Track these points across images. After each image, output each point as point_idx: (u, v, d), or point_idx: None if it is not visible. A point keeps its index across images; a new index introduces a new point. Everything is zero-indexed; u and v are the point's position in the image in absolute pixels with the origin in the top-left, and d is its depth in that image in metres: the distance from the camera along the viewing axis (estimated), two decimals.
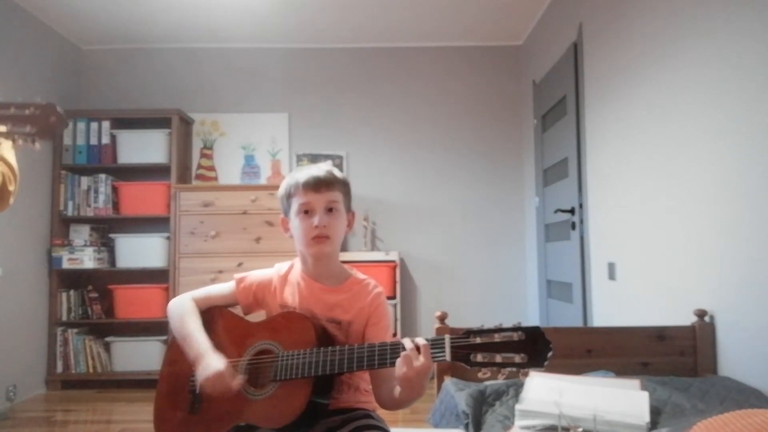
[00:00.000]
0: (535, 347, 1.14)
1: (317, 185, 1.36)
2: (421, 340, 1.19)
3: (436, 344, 1.18)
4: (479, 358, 1.16)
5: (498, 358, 1.15)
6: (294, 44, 4.55)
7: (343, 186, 1.42)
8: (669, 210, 2.29)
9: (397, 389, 1.28)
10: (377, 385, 1.37)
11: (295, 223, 1.39)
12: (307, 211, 1.37)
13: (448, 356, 1.17)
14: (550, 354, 1.14)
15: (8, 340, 3.61)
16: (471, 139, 4.55)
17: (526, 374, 1.15)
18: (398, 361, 1.18)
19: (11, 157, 1.67)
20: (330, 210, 1.37)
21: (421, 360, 1.16)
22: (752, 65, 1.79)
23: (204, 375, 1.28)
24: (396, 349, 1.21)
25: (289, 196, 1.40)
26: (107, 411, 3.56)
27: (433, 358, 1.18)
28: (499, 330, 1.17)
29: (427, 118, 4.56)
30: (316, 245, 1.37)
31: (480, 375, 1.16)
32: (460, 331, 1.19)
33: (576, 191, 3.26)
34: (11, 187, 1.66)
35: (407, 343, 1.19)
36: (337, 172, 1.42)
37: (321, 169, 1.40)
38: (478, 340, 1.17)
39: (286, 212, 1.42)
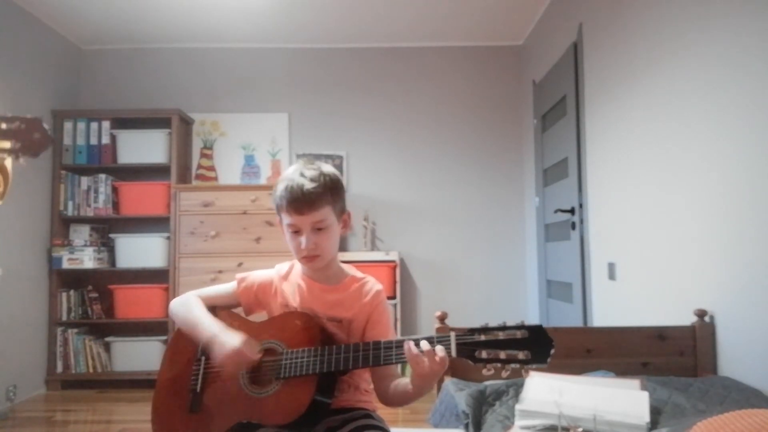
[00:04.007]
0: (538, 344, 1.17)
1: (300, 207, 1.30)
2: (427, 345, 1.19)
3: (441, 341, 1.20)
4: (483, 354, 1.18)
5: (502, 355, 1.18)
6: (294, 44, 4.55)
7: (331, 195, 1.34)
8: (669, 210, 2.29)
9: (400, 385, 1.30)
10: (379, 382, 1.37)
11: (287, 236, 1.38)
12: (295, 231, 1.34)
13: (453, 352, 1.19)
14: (552, 351, 1.17)
15: (8, 340, 3.61)
16: (471, 139, 4.55)
17: (528, 372, 1.18)
18: (415, 357, 1.18)
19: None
20: (318, 229, 1.33)
21: (440, 355, 1.17)
22: (752, 65, 1.79)
23: (222, 354, 1.27)
24: (400, 346, 1.23)
25: (278, 209, 1.37)
26: (107, 411, 3.55)
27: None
28: (502, 328, 1.20)
29: (427, 118, 4.56)
30: (307, 263, 1.37)
31: (484, 372, 1.18)
32: (463, 330, 1.21)
33: (576, 191, 3.26)
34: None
35: (423, 345, 1.19)
36: (322, 180, 1.32)
37: (305, 181, 1.30)
38: (482, 337, 1.20)
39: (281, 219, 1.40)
